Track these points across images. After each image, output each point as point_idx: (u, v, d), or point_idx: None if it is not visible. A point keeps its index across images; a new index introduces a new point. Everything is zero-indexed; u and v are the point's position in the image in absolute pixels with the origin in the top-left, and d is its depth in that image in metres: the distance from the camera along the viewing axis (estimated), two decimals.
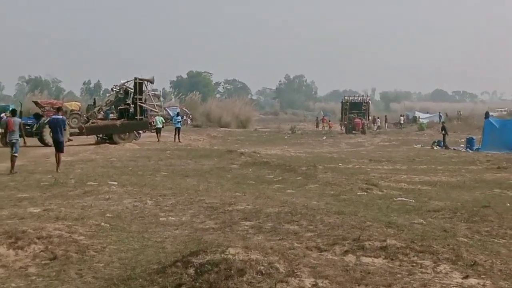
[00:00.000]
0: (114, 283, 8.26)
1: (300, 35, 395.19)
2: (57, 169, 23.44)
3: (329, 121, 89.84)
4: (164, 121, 54.79)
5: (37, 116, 42.54)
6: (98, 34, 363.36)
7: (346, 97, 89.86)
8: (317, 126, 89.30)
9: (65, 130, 24.90)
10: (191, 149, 39.27)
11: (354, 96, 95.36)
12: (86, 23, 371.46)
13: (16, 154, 23.50)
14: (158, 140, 48.23)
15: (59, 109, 26.35)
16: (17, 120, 24.29)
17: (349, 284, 7.81)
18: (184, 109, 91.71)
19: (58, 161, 23.82)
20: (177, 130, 49.13)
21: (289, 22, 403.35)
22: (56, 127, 24.22)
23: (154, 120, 50.20)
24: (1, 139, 40.86)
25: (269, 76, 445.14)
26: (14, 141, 23.65)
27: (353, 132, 71.06)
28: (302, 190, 18.58)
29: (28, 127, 40.92)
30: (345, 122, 77.44)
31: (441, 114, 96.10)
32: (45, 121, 40.05)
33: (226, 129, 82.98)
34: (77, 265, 9.29)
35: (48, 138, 39.45)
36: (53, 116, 25.36)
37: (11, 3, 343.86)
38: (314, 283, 7.70)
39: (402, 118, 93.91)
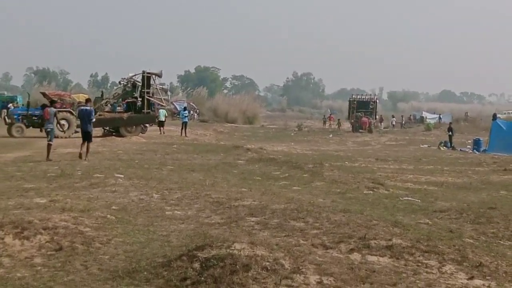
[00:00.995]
0: (119, 275, 8.27)
1: (308, 33, 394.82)
2: (85, 158, 24.13)
3: (339, 119, 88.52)
4: (166, 114, 54.88)
5: (45, 107, 42.48)
6: (106, 27, 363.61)
7: (353, 96, 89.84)
8: (324, 124, 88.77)
9: (91, 120, 25.34)
10: (198, 144, 39.35)
11: (362, 95, 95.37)
12: (95, 16, 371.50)
13: (51, 142, 24.41)
14: (161, 133, 48.75)
15: (87, 101, 27.40)
16: (52, 110, 25.32)
17: (354, 282, 7.84)
18: (191, 104, 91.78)
19: (87, 150, 24.55)
20: (184, 124, 49.25)
21: (299, 20, 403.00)
22: (84, 118, 24.96)
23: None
24: (8, 129, 41.05)
25: (277, 73, 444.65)
26: (49, 129, 24.85)
27: (360, 131, 70.89)
28: (308, 187, 18.55)
29: (35, 118, 41.09)
30: (352, 121, 77.27)
31: (441, 117, 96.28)
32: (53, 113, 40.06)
33: (233, 124, 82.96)
34: (82, 256, 9.29)
35: (55, 129, 39.51)
36: (81, 107, 26.07)
37: None
38: (319, 280, 7.73)
39: (402, 118, 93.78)
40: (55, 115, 25.06)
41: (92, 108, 26.39)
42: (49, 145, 24.24)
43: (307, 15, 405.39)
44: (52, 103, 26.64)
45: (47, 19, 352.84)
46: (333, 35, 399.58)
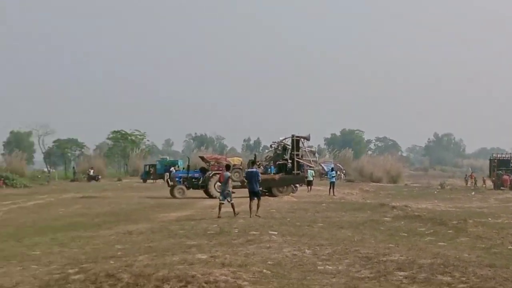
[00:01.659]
0: None
1: (447, 94, 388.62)
2: (256, 214, 25.19)
3: (482, 177, 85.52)
4: (314, 174, 55.55)
5: (203, 170, 43.67)
6: (257, 97, 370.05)
7: (494, 155, 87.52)
8: (466, 183, 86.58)
9: (259, 181, 26.45)
10: (345, 202, 39.14)
11: (502, 154, 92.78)
12: (246, 89, 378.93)
13: (223, 202, 25.54)
14: (308, 191, 49.67)
15: (253, 163, 28.21)
16: (227, 174, 26.23)
17: None
18: (338, 164, 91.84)
19: (257, 206, 25.61)
20: (332, 184, 49.46)
21: (436, 80, 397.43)
22: (251, 179, 25.84)
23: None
24: (171, 191, 42.32)
25: (418, 134, 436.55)
26: (226, 191, 25.80)
27: (502, 188, 69.00)
28: (454, 243, 18.06)
29: (195, 180, 42.38)
30: (493, 179, 75.42)
31: None
32: (210, 175, 41.31)
33: (378, 184, 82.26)
34: None
35: (213, 190, 40.42)
36: (248, 170, 27.03)
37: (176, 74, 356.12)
38: None
39: None
40: (229, 178, 25.80)
41: (258, 170, 27.57)
42: (220, 204, 25.35)
43: (446, 74, 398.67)
44: (228, 168, 27.90)
45: (202, 93, 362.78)
46: (470, 96, 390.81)
